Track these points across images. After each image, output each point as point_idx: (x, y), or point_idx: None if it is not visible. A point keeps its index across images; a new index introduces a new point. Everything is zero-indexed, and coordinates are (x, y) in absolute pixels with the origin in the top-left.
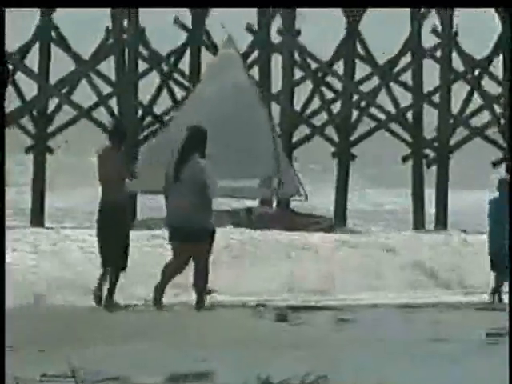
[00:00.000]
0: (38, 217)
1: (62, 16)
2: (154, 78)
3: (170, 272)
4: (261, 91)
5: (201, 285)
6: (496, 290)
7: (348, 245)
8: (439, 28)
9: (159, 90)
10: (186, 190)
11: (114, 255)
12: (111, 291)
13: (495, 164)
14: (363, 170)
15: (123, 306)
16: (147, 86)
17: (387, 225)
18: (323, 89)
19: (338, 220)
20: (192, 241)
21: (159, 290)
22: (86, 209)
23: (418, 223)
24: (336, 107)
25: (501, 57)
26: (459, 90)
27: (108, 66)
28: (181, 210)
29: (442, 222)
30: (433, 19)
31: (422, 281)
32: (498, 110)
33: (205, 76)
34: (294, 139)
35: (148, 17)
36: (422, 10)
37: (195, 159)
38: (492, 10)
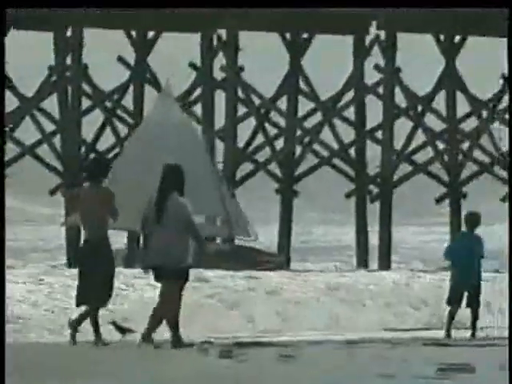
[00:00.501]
0: None
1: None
2: (98, 116)
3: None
4: (202, 130)
5: (157, 320)
6: (473, 325)
7: (309, 284)
8: (382, 64)
9: (103, 127)
10: (168, 229)
11: (97, 292)
12: (77, 324)
13: (438, 200)
14: (309, 206)
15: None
16: (90, 124)
17: (336, 261)
18: (267, 125)
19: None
20: (172, 279)
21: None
22: (27, 247)
23: (361, 259)
24: (279, 143)
25: (443, 92)
26: (402, 126)
27: (51, 104)
28: (163, 249)
29: (385, 258)
30: (375, 57)
31: (381, 319)
32: (440, 145)
33: (146, 117)
34: (238, 176)
35: (90, 54)
36: (366, 44)
37: (174, 197)
38: (435, 46)
